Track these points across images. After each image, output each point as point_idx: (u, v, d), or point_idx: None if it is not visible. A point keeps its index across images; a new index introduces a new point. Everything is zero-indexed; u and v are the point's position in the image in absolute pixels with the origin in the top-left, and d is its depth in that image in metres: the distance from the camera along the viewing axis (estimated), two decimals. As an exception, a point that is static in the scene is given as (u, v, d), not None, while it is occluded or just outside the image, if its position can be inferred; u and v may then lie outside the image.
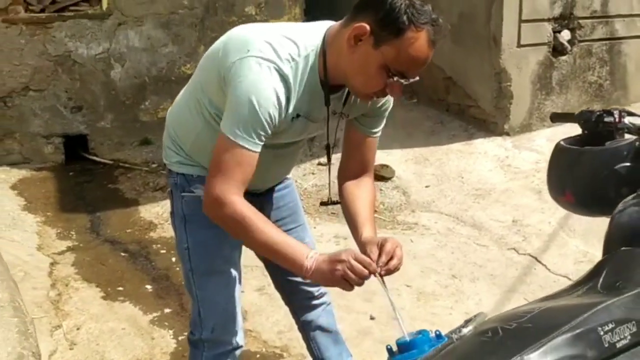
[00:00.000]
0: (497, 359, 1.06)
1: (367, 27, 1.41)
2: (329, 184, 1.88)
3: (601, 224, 1.56)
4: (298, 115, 1.53)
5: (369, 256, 1.46)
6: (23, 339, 1.56)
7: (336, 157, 4.16)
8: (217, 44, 1.58)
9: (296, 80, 1.47)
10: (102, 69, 4.73)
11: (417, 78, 1.48)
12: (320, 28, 1.54)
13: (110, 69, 4.74)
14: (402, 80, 1.45)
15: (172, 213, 1.78)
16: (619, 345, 1.11)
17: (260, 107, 1.42)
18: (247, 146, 1.46)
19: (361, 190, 1.72)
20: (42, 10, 4.58)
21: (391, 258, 1.46)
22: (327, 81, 1.50)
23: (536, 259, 3.19)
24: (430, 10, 1.42)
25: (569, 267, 3.02)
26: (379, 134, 1.74)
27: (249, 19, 4.69)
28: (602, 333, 1.10)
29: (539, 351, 1.05)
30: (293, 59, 1.46)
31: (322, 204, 1.94)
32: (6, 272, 2.04)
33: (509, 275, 3.07)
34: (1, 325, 1.58)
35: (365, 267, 1.41)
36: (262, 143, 1.48)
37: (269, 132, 1.47)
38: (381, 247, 1.48)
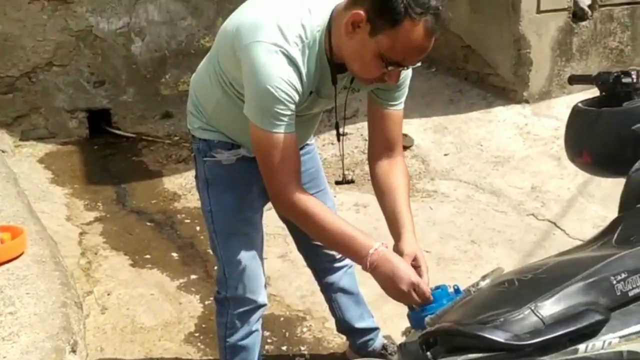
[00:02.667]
0: (512, 306, 1.10)
1: (364, 14, 1.38)
2: (342, 163, 1.89)
3: (620, 188, 1.58)
4: (311, 92, 1.56)
5: None
6: (65, 290, 1.65)
7: (355, 127, 4.15)
8: (232, 20, 1.61)
9: (305, 61, 1.48)
10: (122, 44, 4.78)
11: (418, 64, 1.47)
12: (329, 4, 1.52)
13: (130, 43, 4.80)
14: (400, 69, 1.44)
15: (196, 177, 1.85)
16: (631, 293, 1.15)
17: (278, 93, 1.45)
18: (281, 131, 1.49)
19: (394, 176, 1.68)
20: (64, -14, 4.63)
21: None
22: (333, 60, 1.51)
23: (555, 224, 3.21)
24: None
25: (587, 232, 3.03)
26: (400, 107, 1.71)
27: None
28: (614, 282, 1.14)
29: (553, 298, 1.10)
30: (301, 42, 1.48)
31: (337, 183, 1.97)
32: (44, 232, 2.14)
33: (528, 240, 3.10)
34: (45, 277, 1.68)
35: (421, 300, 1.45)
36: (292, 121, 1.51)
37: (293, 110, 1.51)
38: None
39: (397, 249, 1.58)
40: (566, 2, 4.31)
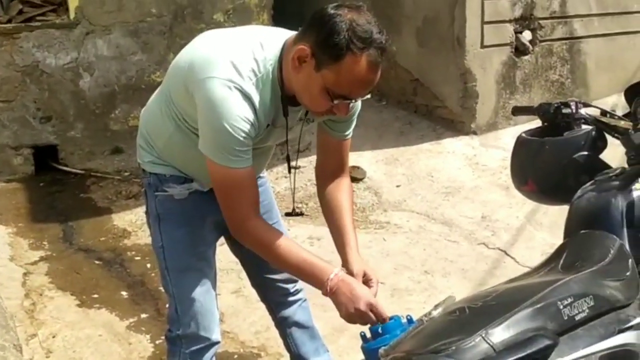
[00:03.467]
0: (463, 334, 1.11)
1: (309, 50, 1.41)
2: (293, 195, 1.93)
3: (566, 216, 1.62)
4: (267, 125, 1.57)
5: None
6: (4, 332, 1.58)
7: (308, 160, 4.18)
8: (183, 55, 1.61)
9: (259, 95, 1.49)
10: (70, 79, 4.70)
11: (367, 96, 1.49)
12: (280, 37, 1.55)
13: (79, 79, 4.72)
14: (347, 101, 1.46)
15: (146, 212, 1.81)
16: (577, 318, 1.18)
17: (234, 130, 1.46)
18: (239, 166, 1.51)
19: (341, 195, 1.74)
20: (9, 21, 4.54)
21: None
22: (285, 92, 1.53)
23: (505, 252, 3.28)
24: (373, 31, 1.38)
25: (536, 259, 3.10)
26: (349, 136, 1.76)
27: (218, 26, 4.71)
28: (561, 307, 1.17)
29: (503, 325, 1.12)
30: (255, 76, 1.49)
31: (287, 215, 1.98)
32: (-18, 272, 2.05)
33: (480, 269, 3.15)
34: (-18, 320, 1.60)
35: (378, 319, 1.49)
36: (249, 156, 1.52)
37: (250, 145, 1.52)
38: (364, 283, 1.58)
39: (346, 269, 1.61)
40: (508, 37, 4.48)
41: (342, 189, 1.76)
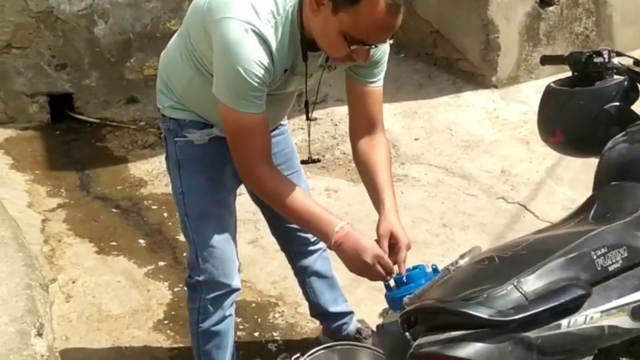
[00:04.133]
0: (494, 283, 1.09)
1: None
2: (309, 141, 1.90)
3: (588, 170, 1.58)
4: (286, 70, 1.53)
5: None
6: (30, 271, 1.59)
7: (325, 112, 4.13)
8: None
9: (277, 39, 1.45)
10: (85, 26, 4.64)
11: (387, 43, 1.44)
12: None
13: (93, 26, 4.66)
14: (366, 47, 1.41)
15: (166, 158, 1.79)
16: (611, 268, 1.16)
17: (247, 75, 1.42)
18: (249, 111, 1.48)
19: (376, 153, 1.67)
20: (22, -35, 4.47)
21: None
22: (305, 36, 1.48)
23: (525, 207, 3.24)
24: None
25: (556, 214, 3.06)
26: (379, 84, 1.69)
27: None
28: (595, 257, 1.14)
29: (535, 274, 1.09)
30: (273, 18, 1.45)
31: (303, 162, 1.95)
32: (5, 213, 2.06)
33: (498, 223, 3.12)
34: (7, 259, 1.61)
35: (386, 272, 1.47)
36: (262, 102, 1.49)
37: (264, 91, 1.48)
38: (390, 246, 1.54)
39: (377, 228, 1.57)
40: (534, -13, 4.33)
41: (377, 146, 1.68)
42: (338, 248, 1.49)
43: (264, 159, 1.53)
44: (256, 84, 1.44)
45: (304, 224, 1.59)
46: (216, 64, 1.47)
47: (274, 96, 1.65)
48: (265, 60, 1.44)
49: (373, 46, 1.43)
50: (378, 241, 1.54)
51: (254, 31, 1.41)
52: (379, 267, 1.47)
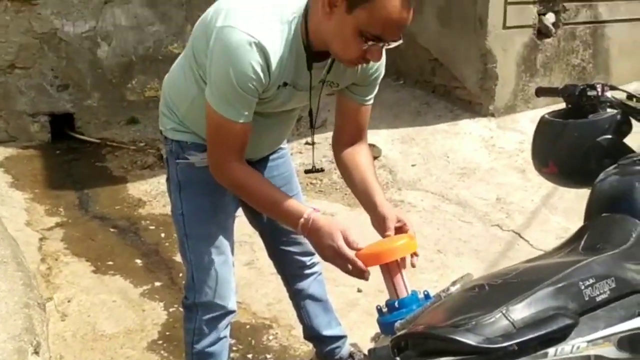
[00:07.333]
0: (483, 310, 1.11)
1: None
2: (313, 151, 1.90)
3: (582, 200, 1.61)
4: (285, 84, 1.54)
5: (385, 229, 1.53)
6: (28, 290, 1.60)
7: (324, 137, 4.15)
8: (209, 10, 1.59)
9: (279, 49, 1.47)
10: (88, 47, 4.71)
11: (399, 42, 1.46)
12: None
13: (96, 47, 4.73)
14: (380, 44, 1.44)
15: (167, 179, 1.81)
16: (598, 299, 1.17)
17: (238, 82, 1.44)
18: (232, 119, 1.49)
19: (360, 155, 1.72)
20: (28, -13, 4.55)
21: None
22: (309, 46, 1.50)
23: (519, 234, 3.26)
24: None
25: (550, 243, 3.09)
26: (371, 102, 1.74)
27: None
28: (583, 287, 1.16)
29: (524, 302, 1.11)
30: (276, 28, 1.47)
31: (307, 172, 1.96)
32: (5, 232, 2.08)
33: (493, 250, 3.14)
34: (6, 278, 1.62)
35: (353, 247, 1.45)
36: (247, 113, 1.50)
37: (253, 102, 1.50)
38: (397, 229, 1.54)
39: (378, 215, 1.58)
40: (531, 19, 4.41)
41: (360, 152, 1.74)
42: (308, 235, 1.50)
43: (237, 157, 1.56)
44: (244, 95, 1.46)
45: (272, 213, 1.62)
46: (210, 69, 1.50)
47: (276, 116, 1.67)
48: (262, 71, 1.45)
49: (387, 44, 1.45)
50: (384, 224, 1.55)
51: (254, 43, 1.43)
52: (346, 252, 1.45)
